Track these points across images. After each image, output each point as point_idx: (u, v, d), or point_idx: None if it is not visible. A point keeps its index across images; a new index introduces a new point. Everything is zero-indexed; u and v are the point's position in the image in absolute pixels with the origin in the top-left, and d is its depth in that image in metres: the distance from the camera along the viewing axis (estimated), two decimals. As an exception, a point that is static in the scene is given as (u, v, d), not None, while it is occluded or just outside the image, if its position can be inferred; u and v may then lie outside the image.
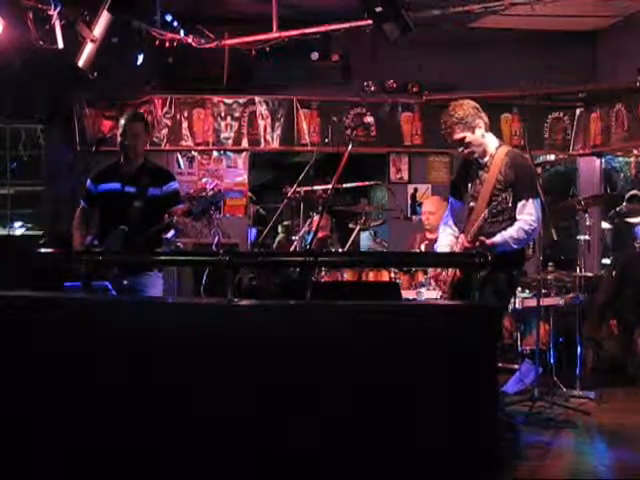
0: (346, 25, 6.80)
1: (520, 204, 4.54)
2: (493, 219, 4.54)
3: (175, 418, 2.79)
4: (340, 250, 7.07)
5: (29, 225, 10.08)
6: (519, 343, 6.51)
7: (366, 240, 8.62)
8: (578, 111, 8.59)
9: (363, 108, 8.35)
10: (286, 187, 6.74)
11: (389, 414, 2.72)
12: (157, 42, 6.78)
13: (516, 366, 6.16)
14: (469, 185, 4.74)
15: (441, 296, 5.04)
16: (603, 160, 8.69)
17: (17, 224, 9.58)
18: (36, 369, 2.89)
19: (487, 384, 2.78)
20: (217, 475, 2.78)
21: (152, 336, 2.86)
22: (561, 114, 8.62)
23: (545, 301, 6.27)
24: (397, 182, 8.53)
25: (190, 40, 6.97)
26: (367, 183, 7.93)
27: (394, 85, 8.36)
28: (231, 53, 7.40)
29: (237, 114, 8.30)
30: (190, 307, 3.19)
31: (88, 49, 6.11)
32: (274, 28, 6.85)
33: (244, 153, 8.40)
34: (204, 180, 7.94)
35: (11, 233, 9.13)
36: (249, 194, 8.59)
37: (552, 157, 9.02)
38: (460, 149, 4.69)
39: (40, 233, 8.41)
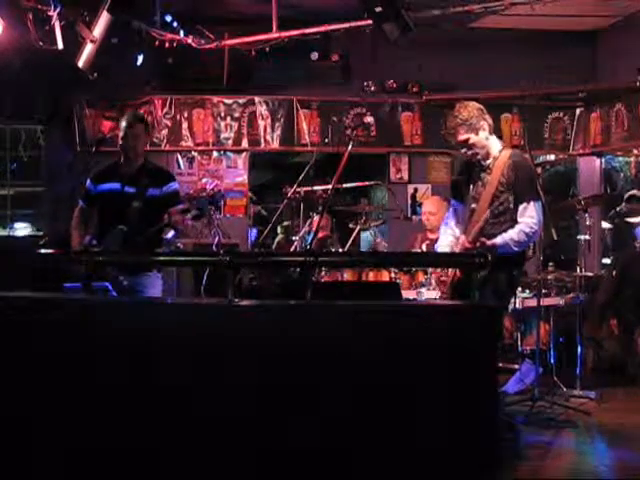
0: (346, 25, 6.80)
1: (522, 206, 4.54)
2: (494, 220, 4.54)
3: (175, 418, 2.79)
4: (340, 250, 7.07)
5: (29, 225, 10.08)
6: (519, 343, 6.50)
7: (366, 240, 8.62)
8: (578, 111, 8.59)
9: (363, 108, 8.35)
10: (286, 187, 6.74)
11: (389, 414, 2.72)
12: (157, 42, 6.79)
13: (516, 366, 6.16)
14: (471, 187, 4.75)
15: (440, 296, 5.04)
16: (603, 160, 8.69)
17: (20, 225, 9.58)
18: (36, 370, 2.89)
19: (487, 384, 2.78)
20: (217, 475, 2.78)
21: (152, 336, 2.85)
22: (561, 114, 8.62)
23: (545, 301, 6.27)
24: (397, 182, 8.53)
25: (190, 40, 6.97)
26: (367, 183, 7.93)
27: (394, 85, 8.36)
28: (231, 53, 7.40)
29: (237, 114, 8.30)
30: (190, 307, 3.19)
31: (88, 49, 6.11)
32: (274, 28, 6.85)
33: (244, 153, 8.41)
34: (204, 180, 7.95)
35: (12, 234, 9.13)
36: (250, 194, 8.60)
37: (552, 157, 9.02)
38: (463, 150, 4.69)
39: (41, 234, 8.41)
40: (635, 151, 8.60)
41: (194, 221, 5.13)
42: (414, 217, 8.12)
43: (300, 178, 6.34)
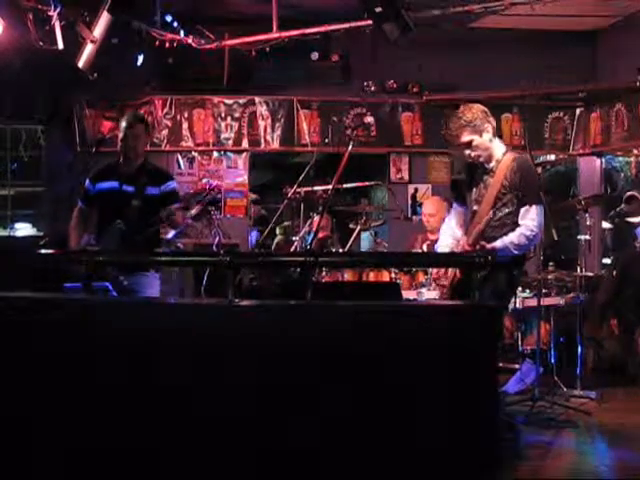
0: (346, 25, 6.80)
1: (523, 209, 4.54)
2: (496, 222, 4.54)
3: (175, 418, 2.79)
4: (340, 250, 7.07)
5: (30, 226, 10.08)
6: (520, 343, 6.50)
7: (366, 240, 8.61)
8: (578, 111, 8.59)
9: (363, 108, 8.35)
10: (286, 187, 6.74)
11: (389, 414, 2.72)
12: (157, 43, 6.78)
13: (517, 366, 6.16)
14: (473, 189, 4.75)
15: (440, 296, 5.04)
16: (603, 160, 8.69)
17: (22, 225, 9.58)
18: (36, 370, 2.89)
19: (488, 384, 2.78)
20: (217, 475, 2.78)
21: (152, 336, 2.85)
22: (561, 114, 8.62)
23: (546, 301, 6.27)
24: (397, 182, 8.53)
25: (190, 41, 6.97)
26: (367, 183, 7.92)
27: (394, 85, 8.36)
28: (231, 53, 7.40)
29: (237, 114, 8.30)
30: (190, 307, 3.19)
31: (88, 50, 6.11)
32: (274, 28, 6.85)
33: (244, 153, 8.40)
34: (204, 180, 7.94)
35: (13, 234, 9.13)
36: (252, 195, 8.59)
37: (552, 157, 9.01)
38: (466, 152, 4.68)
39: (42, 234, 8.41)
40: (635, 151, 8.60)
41: (194, 221, 5.12)
42: (414, 217, 8.12)
43: (300, 178, 6.34)
